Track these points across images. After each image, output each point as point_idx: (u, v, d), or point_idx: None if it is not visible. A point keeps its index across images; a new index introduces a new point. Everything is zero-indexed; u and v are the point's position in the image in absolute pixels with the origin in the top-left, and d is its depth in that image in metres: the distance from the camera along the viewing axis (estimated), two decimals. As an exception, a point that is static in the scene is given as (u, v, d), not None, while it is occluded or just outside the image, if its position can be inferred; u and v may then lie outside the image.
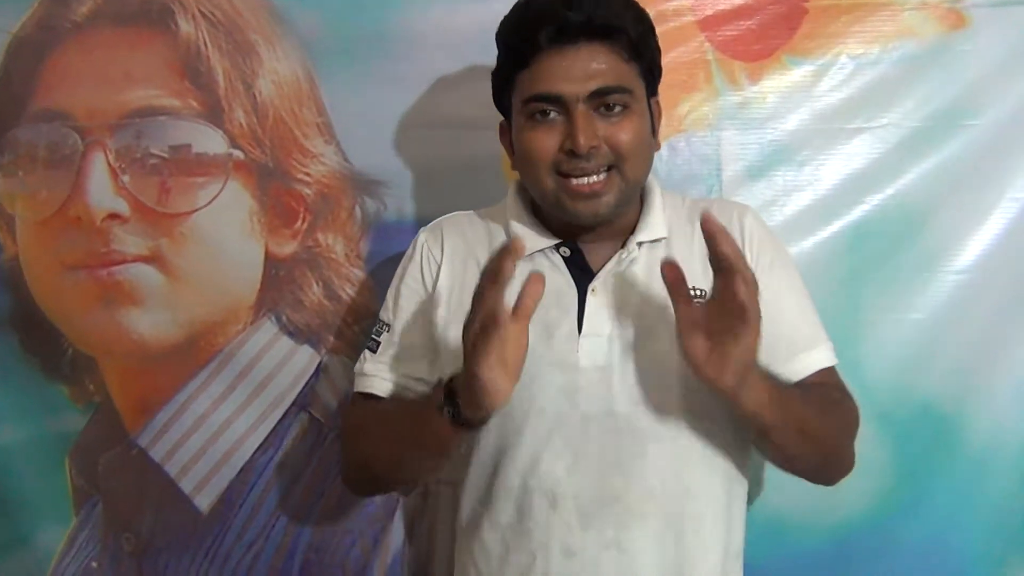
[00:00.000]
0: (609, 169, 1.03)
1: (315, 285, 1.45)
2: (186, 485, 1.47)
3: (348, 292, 1.44)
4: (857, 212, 1.37)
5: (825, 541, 1.34)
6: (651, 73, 1.09)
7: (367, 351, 1.17)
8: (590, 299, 1.06)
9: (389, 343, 1.15)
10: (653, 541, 1.03)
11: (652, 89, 1.10)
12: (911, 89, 1.37)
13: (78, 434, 1.53)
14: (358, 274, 1.44)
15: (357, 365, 1.18)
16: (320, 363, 1.45)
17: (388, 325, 1.16)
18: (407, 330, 1.15)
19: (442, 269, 1.13)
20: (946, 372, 1.37)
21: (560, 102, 1.02)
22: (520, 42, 1.04)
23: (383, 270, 1.36)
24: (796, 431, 1.00)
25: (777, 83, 1.38)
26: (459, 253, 1.14)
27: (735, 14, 1.37)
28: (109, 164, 1.47)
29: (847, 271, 1.36)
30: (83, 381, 1.53)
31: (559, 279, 1.08)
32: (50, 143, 1.50)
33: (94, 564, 1.53)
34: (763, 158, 1.38)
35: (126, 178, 1.47)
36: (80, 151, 1.48)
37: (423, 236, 1.17)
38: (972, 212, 1.37)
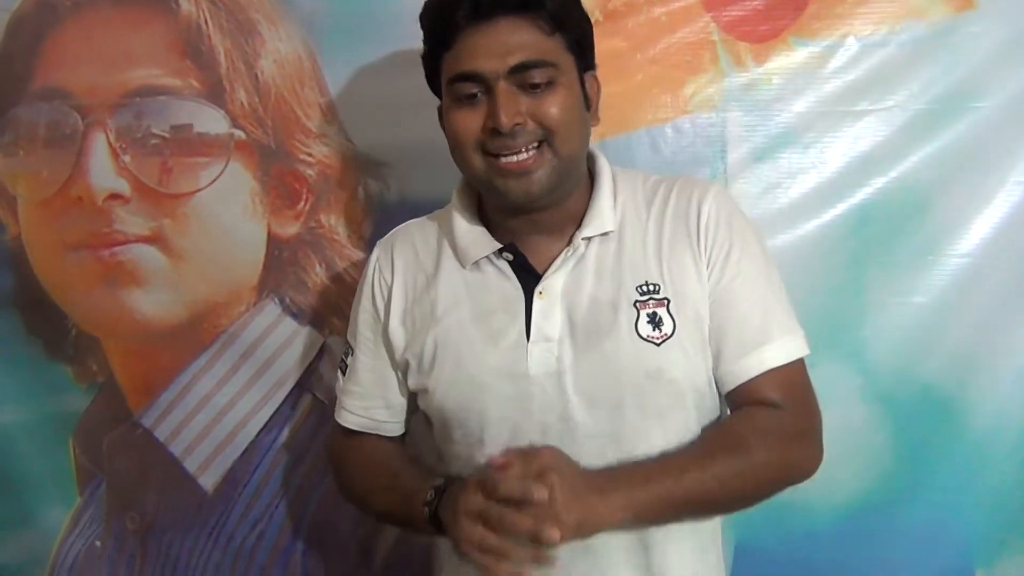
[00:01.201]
0: (539, 145, 1.00)
1: (318, 266, 1.45)
2: (190, 465, 1.49)
3: (351, 273, 1.44)
4: (861, 195, 1.36)
5: (825, 523, 1.34)
6: (579, 46, 1.04)
7: (339, 371, 1.19)
8: (537, 303, 1.03)
9: (354, 369, 1.16)
10: (622, 541, 1.03)
11: (585, 63, 1.06)
12: (917, 71, 1.35)
13: (82, 414, 1.54)
14: (361, 255, 1.44)
15: (337, 383, 1.20)
16: (323, 344, 1.46)
17: (351, 349, 1.16)
18: (366, 359, 1.15)
19: (393, 290, 1.11)
20: (948, 355, 1.37)
21: (481, 80, 0.99)
22: (440, 23, 1.02)
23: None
24: (693, 505, 0.99)
25: (783, 64, 1.37)
26: (410, 268, 1.12)
27: (741, -6, 1.36)
28: (110, 144, 1.47)
29: (850, 254, 1.36)
30: (86, 361, 1.53)
31: (505, 285, 1.05)
32: (50, 122, 1.50)
33: (98, 543, 1.54)
34: (768, 140, 1.37)
35: (127, 158, 1.46)
36: (81, 131, 1.47)
37: (375, 255, 1.16)
38: (977, 195, 1.36)
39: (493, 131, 0.99)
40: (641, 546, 1.03)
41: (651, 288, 1.03)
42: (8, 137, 1.52)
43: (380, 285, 1.13)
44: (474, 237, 1.07)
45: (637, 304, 1.03)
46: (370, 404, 1.16)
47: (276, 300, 1.46)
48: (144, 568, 1.53)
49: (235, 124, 1.44)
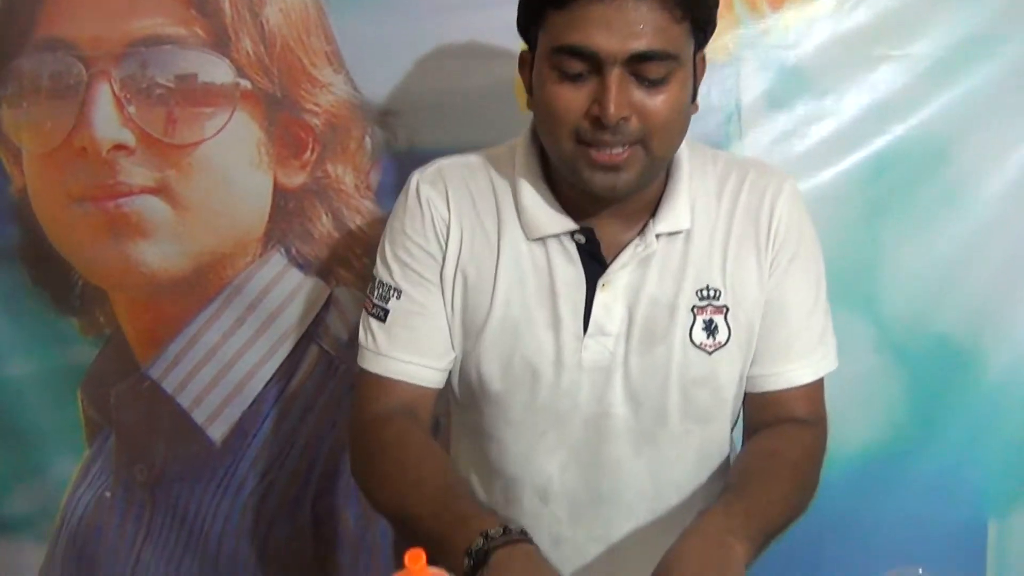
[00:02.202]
0: (634, 143, 0.91)
1: (324, 216, 1.43)
2: (199, 416, 1.48)
3: (358, 223, 1.43)
4: (879, 143, 1.34)
5: (837, 474, 1.33)
6: (703, 31, 0.95)
7: (373, 320, 1.04)
8: (599, 295, 0.99)
9: (404, 314, 1.02)
10: (641, 536, 1.02)
11: (701, 44, 0.96)
12: (937, 16, 1.32)
13: (89, 366, 1.53)
14: (368, 205, 1.43)
15: (363, 336, 1.04)
16: (330, 295, 1.44)
17: (397, 291, 1.02)
18: (423, 299, 1.02)
19: (451, 231, 1.01)
20: (963, 306, 1.36)
21: (594, 59, 0.88)
22: None
23: (394, 201, 1.34)
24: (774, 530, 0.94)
25: (799, 11, 1.33)
26: (467, 215, 1.01)
27: (758, -63, 1.33)
28: (114, 94, 1.44)
29: (867, 203, 1.34)
30: (93, 313, 1.52)
31: (571, 271, 0.99)
32: (54, 73, 1.48)
33: (107, 494, 1.55)
34: (784, 87, 1.35)
35: (132, 108, 1.44)
36: (84, 81, 1.45)
37: (425, 189, 1.02)
38: (996, 144, 1.34)
39: (595, 121, 0.89)
40: (655, 494, 1.02)
41: (711, 294, 0.99)
42: (12, 88, 1.50)
43: (437, 221, 1.01)
44: (546, 212, 0.99)
45: (695, 309, 0.99)
46: (428, 350, 1.02)
47: (282, 251, 1.44)
48: (153, 518, 1.53)
49: (240, 73, 1.42)
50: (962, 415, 1.36)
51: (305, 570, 1.52)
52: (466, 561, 0.83)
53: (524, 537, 0.85)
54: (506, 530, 0.84)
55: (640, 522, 1.03)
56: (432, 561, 0.72)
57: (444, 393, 1.07)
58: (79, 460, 1.56)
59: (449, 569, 0.82)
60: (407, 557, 0.69)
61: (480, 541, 0.83)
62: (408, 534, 0.92)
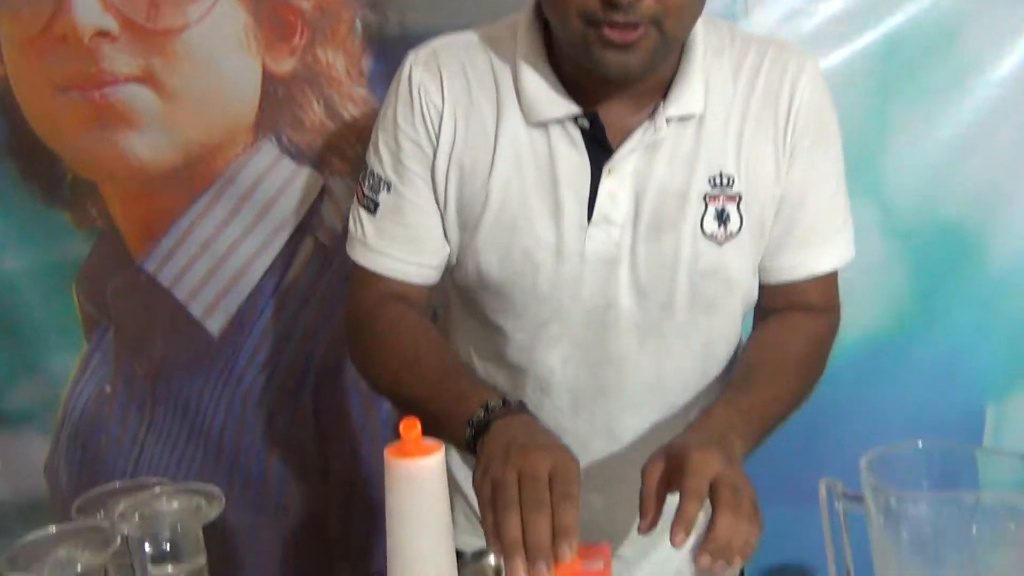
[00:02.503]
0: (648, 22, 0.85)
1: (316, 104, 1.40)
2: (195, 309, 1.48)
3: (350, 111, 1.39)
4: (889, 22, 1.29)
5: (839, 361, 1.33)
6: None
7: (363, 210, 1.01)
8: (604, 181, 0.94)
9: (396, 208, 0.99)
10: (644, 429, 1.01)
11: None
12: None
13: (83, 260, 1.52)
14: (360, 92, 1.39)
15: (354, 226, 1.02)
16: (323, 186, 1.42)
17: (387, 183, 0.99)
18: (412, 195, 0.98)
19: (444, 119, 0.96)
20: (970, 192, 1.33)
21: None
22: None
23: (386, 88, 1.30)
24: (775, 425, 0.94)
25: None
26: (461, 99, 0.96)
27: None
28: (94, -23, 1.39)
29: (876, 84, 1.30)
30: (84, 206, 1.50)
31: (573, 155, 0.94)
32: (29, -46, 1.42)
33: (107, 388, 1.56)
34: (792, -38, 1.29)
35: (113, -8, 1.39)
36: (61, -38, 1.39)
37: (418, 74, 0.97)
38: (1009, 24, 1.29)
39: (607, 1, 0.83)
40: (659, 387, 1.01)
41: (724, 181, 0.95)
42: (-15, -28, 1.44)
43: (428, 109, 0.96)
44: (548, 95, 0.94)
45: (707, 198, 0.95)
46: (418, 248, 1.00)
47: (273, 140, 1.41)
48: (155, 411, 1.55)
49: (224, -47, 1.36)
50: (965, 301, 1.35)
51: (306, 460, 1.54)
52: (467, 431, 0.84)
53: (523, 409, 0.86)
54: (505, 402, 0.86)
55: (643, 415, 1.02)
56: (433, 427, 0.74)
57: (441, 285, 1.06)
58: (78, 355, 1.56)
59: (452, 444, 0.84)
60: (401, 426, 0.68)
61: (481, 413, 0.84)
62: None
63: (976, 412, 1.39)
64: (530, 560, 0.71)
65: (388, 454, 0.68)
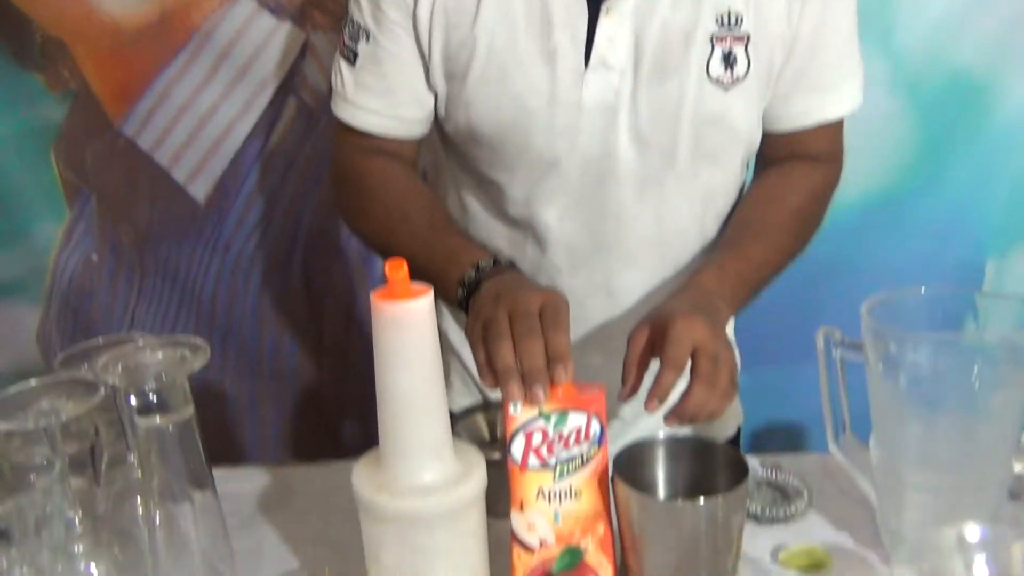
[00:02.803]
0: None
1: (293, -48, 1.33)
2: (178, 175, 1.44)
3: (331, -41, 1.32)
4: None
5: (839, 217, 1.31)
6: None
7: (343, 61, 0.97)
8: (602, 22, 0.89)
9: (374, 58, 0.94)
10: (643, 285, 0.99)
11: None
12: None
13: (60, 125, 1.47)
14: (341, -62, 1.31)
15: (335, 78, 0.98)
16: (305, 41, 1.36)
17: (366, 32, 0.94)
18: (391, 44, 0.93)
19: None
20: (980, 43, 1.29)
21: None
22: None
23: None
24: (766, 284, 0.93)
25: None
26: None
27: None
28: None
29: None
30: (57, 67, 1.44)
31: None
32: None
33: (94, 257, 1.53)
34: None
35: None
36: None
37: None
38: None
39: None
40: (659, 241, 0.99)
41: (733, 19, 0.89)
42: None
43: None
44: None
45: (714, 39, 0.89)
46: (397, 100, 0.95)
47: (250, -9, 1.35)
48: (144, 280, 1.53)
49: None
50: (970, 156, 1.32)
51: (300, 326, 1.53)
52: (459, 291, 0.84)
53: (514, 267, 0.86)
54: (496, 261, 0.85)
55: (642, 272, 0.99)
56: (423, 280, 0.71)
57: (431, 140, 1.02)
58: (61, 223, 1.53)
59: (444, 302, 0.82)
60: (387, 267, 0.65)
61: (472, 273, 0.84)
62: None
63: (976, 267, 1.38)
64: (526, 385, 0.70)
65: (375, 297, 0.66)
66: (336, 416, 1.56)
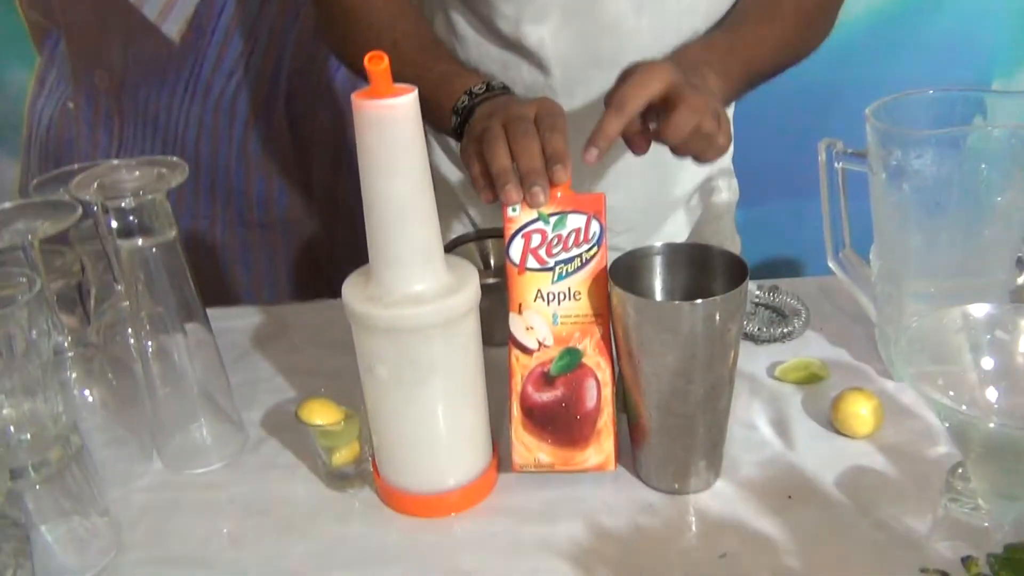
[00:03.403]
0: None
1: None
2: (149, 11, 1.37)
3: None
4: None
5: (844, 39, 1.25)
6: None
7: None
8: None
9: None
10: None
11: None
12: None
13: (19, -39, 1.40)
14: None
15: None
16: None
17: None
18: None
19: None
20: None
21: None
22: None
23: None
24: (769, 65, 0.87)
25: None
26: None
27: None
28: None
29: None
30: None
31: None
32: None
33: (70, 104, 1.48)
34: None
35: None
36: None
37: None
38: None
39: None
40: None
41: None
42: None
43: None
44: None
45: None
46: None
47: None
48: (123, 127, 1.48)
49: None
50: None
51: (284, 169, 1.49)
52: (453, 119, 0.81)
53: (507, 91, 0.82)
54: (489, 87, 0.81)
55: None
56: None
57: None
58: (31, 68, 1.47)
59: (437, 130, 0.78)
60: (367, 59, 0.61)
61: (465, 99, 0.81)
62: None
63: (983, 86, 1.34)
64: (525, 186, 0.67)
65: (356, 97, 0.62)
66: (328, 261, 1.55)
